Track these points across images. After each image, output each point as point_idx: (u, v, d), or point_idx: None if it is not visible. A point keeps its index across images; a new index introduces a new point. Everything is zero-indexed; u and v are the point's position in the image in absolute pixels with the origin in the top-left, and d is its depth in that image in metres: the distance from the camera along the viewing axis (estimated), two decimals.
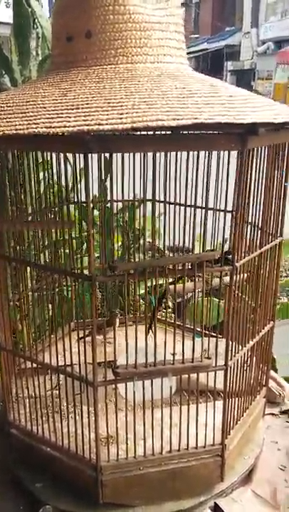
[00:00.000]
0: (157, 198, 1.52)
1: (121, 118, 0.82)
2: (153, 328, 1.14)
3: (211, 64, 21.42)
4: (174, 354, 1.07)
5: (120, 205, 1.68)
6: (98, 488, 1.06)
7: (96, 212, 1.63)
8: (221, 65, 20.14)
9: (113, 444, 1.09)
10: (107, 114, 0.83)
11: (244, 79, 18.86)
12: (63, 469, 1.12)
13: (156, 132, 0.97)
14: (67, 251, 1.37)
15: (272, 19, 16.56)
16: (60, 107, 0.88)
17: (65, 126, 0.81)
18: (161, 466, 1.08)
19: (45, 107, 0.89)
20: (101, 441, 1.08)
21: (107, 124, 0.81)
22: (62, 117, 0.84)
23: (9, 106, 0.93)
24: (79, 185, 1.50)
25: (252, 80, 17.98)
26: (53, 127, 0.82)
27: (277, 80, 15.40)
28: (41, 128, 0.82)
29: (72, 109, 0.86)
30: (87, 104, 0.87)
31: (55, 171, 1.36)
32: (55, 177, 1.39)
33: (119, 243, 1.79)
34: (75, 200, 1.56)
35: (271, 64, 15.94)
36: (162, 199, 1.48)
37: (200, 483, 1.12)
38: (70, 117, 0.84)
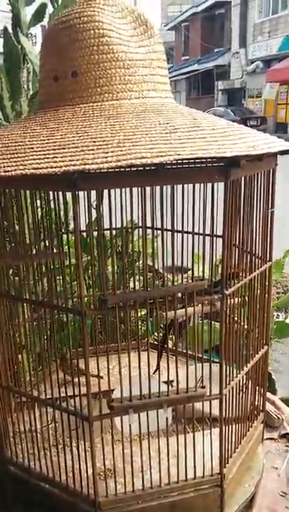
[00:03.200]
0: (149, 224, 1.55)
1: (106, 157, 0.84)
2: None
3: (201, 84, 21.90)
4: (168, 383, 1.07)
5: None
6: None
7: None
8: (211, 84, 20.58)
9: (111, 478, 1.08)
10: (93, 154, 0.85)
11: (235, 97, 19.27)
12: (61, 505, 1.10)
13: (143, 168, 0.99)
14: (60, 278, 1.38)
15: (259, 39, 17.02)
16: (48, 147, 0.90)
17: (52, 167, 0.84)
18: (161, 499, 1.07)
19: (32, 148, 0.91)
20: (99, 475, 1.08)
21: (92, 163, 0.83)
22: (49, 158, 0.87)
23: None
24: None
25: (242, 98, 18.36)
26: (41, 168, 0.84)
27: (267, 97, 15.74)
28: (29, 169, 0.85)
29: (60, 149, 0.89)
30: (73, 143, 0.90)
31: (47, 198, 1.39)
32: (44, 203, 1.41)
33: (115, 268, 1.80)
34: (69, 228, 1.58)
35: (260, 82, 16.33)
36: (154, 225, 1.50)
37: None
38: (57, 158, 0.86)
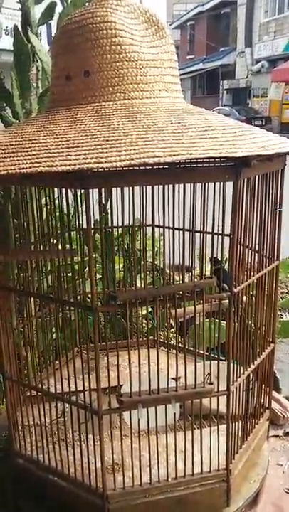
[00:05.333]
0: (157, 222, 1.56)
1: (119, 155, 0.86)
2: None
3: (207, 83, 21.86)
4: (176, 379, 1.09)
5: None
6: None
7: (97, 235, 1.67)
8: (216, 84, 20.53)
9: (119, 471, 1.10)
10: (106, 152, 0.87)
11: (240, 97, 19.22)
12: (69, 499, 1.12)
13: (154, 167, 1.01)
14: (70, 274, 1.40)
15: (265, 38, 16.97)
16: (61, 145, 0.92)
17: (66, 165, 0.85)
18: (168, 493, 1.09)
19: (46, 146, 0.93)
20: (107, 469, 1.09)
21: (106, 162, 0.85)
22: (63, 156, 0.88)
23: (12, 144, 0.97)
24: (80, 210, 1.53)
25: (247, 98, 18.31)
26: (55, 166, 0.86)
27: (272, 97, 15.71)
28: (43, 167, 0.86)
29: (73, 148, 0.90)
30: (86, 142, 0.91)
31: (56, 195, 1.40)
32: (56, 201, 1.43)
33: (121, 265, 1.82)
34: (77, 225, 1.60)
35: (266, 82, 16.29)
36: (162, 223, 1.51)
37: (206, 509, 1.12)
38: (70, 156, 0.88)
